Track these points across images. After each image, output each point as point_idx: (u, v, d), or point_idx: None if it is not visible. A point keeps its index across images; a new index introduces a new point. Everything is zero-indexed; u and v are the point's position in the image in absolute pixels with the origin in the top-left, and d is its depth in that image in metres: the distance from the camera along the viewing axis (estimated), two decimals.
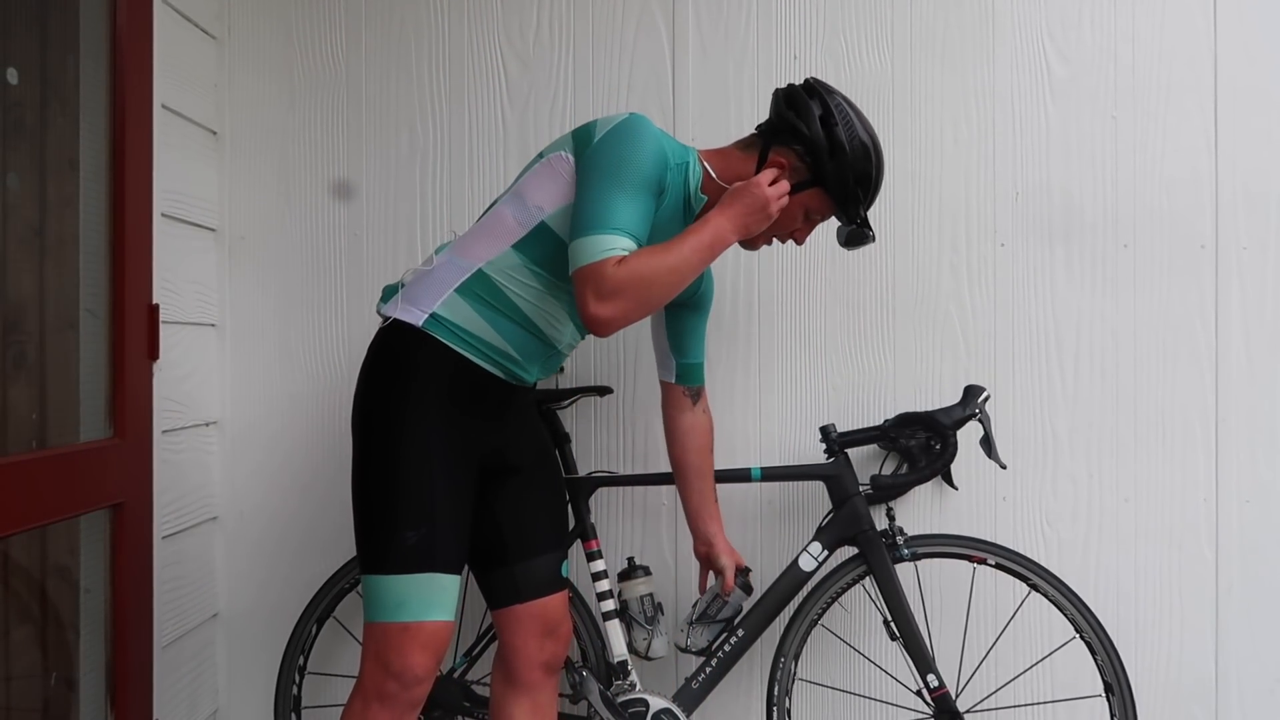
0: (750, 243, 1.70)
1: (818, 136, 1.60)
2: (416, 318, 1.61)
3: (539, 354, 1.69)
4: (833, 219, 1.72)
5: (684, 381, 1.92)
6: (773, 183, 1.58)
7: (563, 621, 1.79)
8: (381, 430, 1.60)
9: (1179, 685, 2.19)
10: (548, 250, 1.59)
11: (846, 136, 1.61)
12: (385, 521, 1.57)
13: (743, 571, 1.97)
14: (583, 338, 1.78)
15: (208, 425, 2.21)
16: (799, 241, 1.72)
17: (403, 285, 1.67)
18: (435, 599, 1.54)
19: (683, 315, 1.88)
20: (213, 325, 2.23)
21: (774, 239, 1.71)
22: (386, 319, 1.65)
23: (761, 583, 2.06)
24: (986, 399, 2.03)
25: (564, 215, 1.56)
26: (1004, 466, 2.07)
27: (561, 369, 2.22)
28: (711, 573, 1.99)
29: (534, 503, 1.77)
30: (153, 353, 1.92)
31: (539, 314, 1.64)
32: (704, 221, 1.56)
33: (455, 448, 1.61)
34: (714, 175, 1.66)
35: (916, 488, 2.17)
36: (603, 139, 1.54)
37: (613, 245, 1.46)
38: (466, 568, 1.69)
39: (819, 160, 1.61)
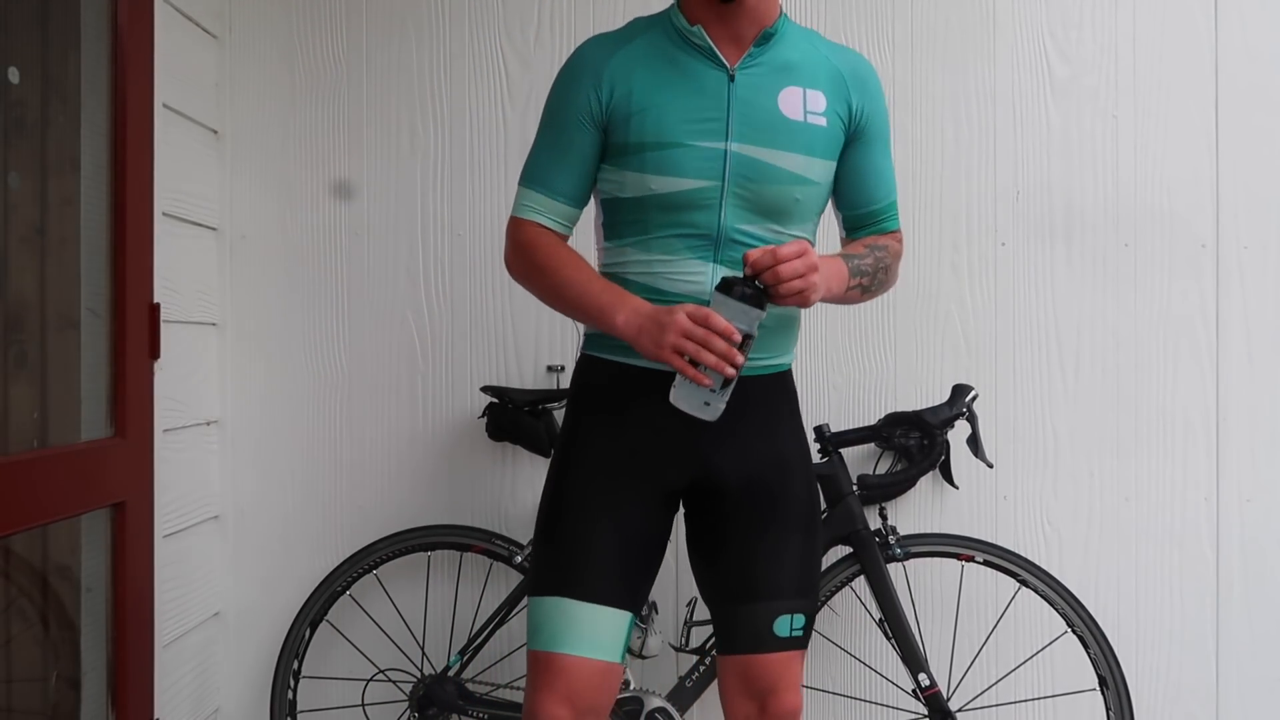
0: None
1: None
2: (581, 344, 1.59)
3: None
4: None
5: (865, 232, 1.57)
6: None
7: (774, 691, 1.44)
8: (553, 456, 1.57)
9: (1180, 684, 2.19)
10: (624, 217, 1.48)
11: None
12: (535, 541, 1.53)
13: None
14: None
15: (208, 424, 2.22)
16: None
17: None
18: (565, 629, 1.40)
19: (854, 150, 1.53)
20: (214, 324, 2.23)
21: None
22: None
23: None
24: (974, 398, 2.04)
25: (603, 177, 1.50)
26: (990, 465, 2.07)
27: (562, 367, 2.23)
28: None
29: (744, 539, 1.48)
30: (154, 352, 1.92)
31: (671, 282, 1.43)
32: (615, 298, 1.40)
33: (616, 463, 1.45)
34: None
35: (916, 487, 2.16)
36: None
37: (524, 201, 1.50)
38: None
39: None
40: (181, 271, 2.06)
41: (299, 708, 2.15)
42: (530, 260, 1.49)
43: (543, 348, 2.25)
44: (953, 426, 2.05)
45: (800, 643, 1.48)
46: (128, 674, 1.83)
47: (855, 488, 2.01)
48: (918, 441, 2.05)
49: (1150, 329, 2.20)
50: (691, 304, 1.33)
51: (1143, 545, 2.20)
